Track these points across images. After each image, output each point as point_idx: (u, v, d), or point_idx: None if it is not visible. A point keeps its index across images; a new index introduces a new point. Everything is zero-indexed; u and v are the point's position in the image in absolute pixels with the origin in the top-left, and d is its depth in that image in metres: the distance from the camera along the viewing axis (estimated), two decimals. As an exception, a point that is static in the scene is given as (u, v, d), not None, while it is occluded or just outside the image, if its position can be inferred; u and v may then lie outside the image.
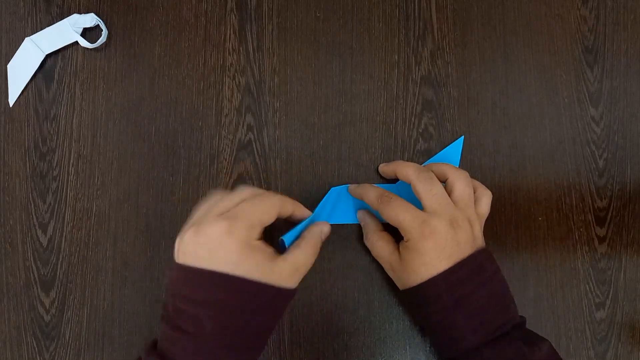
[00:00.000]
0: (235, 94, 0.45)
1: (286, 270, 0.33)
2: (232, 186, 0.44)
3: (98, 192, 0.44)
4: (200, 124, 0.44)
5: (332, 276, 0.43)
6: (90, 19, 0.44)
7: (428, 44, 0.46)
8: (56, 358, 0.43)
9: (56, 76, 0.45)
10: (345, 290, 0.43)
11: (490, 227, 0.44)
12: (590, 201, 0.45)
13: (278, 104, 0.45)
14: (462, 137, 0.44)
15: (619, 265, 0.45)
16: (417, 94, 0.45)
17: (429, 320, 0.37)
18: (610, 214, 0.45)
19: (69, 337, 0.43)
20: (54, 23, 0.45)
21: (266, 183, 0.44)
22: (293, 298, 0.34)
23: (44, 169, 0.44)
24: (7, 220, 0.44)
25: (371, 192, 0.39)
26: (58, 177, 0.44)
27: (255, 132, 0.44)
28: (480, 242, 0.38)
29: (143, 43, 0.45)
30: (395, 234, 0.40)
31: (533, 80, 0.46)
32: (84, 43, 0.44)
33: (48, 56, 0.45)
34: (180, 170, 0.44)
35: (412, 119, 0.45)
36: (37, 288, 0.43)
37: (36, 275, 0.43)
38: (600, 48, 0.47)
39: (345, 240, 0.43)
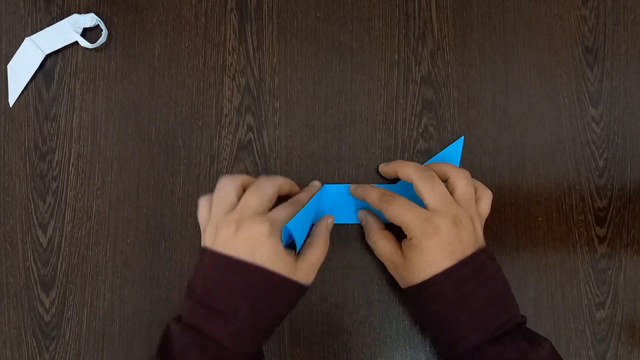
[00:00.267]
0: (235, 94, 0.45)
1: (305, 270, 0.37)
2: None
3: (98, 192, 0.44)
4: (200, 124, 0.44)
5: (332, 276, 0.43)
6: (90, 19, 0.44)
7: (428, 44, 0.46)
8: (56, 358, 0.43)
9: (56, 76, 0.45)
10: (345, 290, 0.43)
11: (490, 227, 0.44)
12: (590, 201, 0.45)
13: (278, 104, 0.45)
14: (462, 137, 0.44)
15: (619, 265, 0.45)
16: (417, 94, 0.45)
17: (431, 319, 0.37)
18: (610, 214, 0.45)
19: (69, 337, 0.43)
20: (54, 23, 0.45)
21: (266, 183, 0.44)
22: (307, 291, 0.38)
23: (44, 169, 0.44)
24: (7, 220, 0.44)
25: (373, 192, 0.39)
26: (58, 177, 0.44)
27: (255, 132, 0.44)
28: (481, 241, 0.38)
29: (143, 43, 0.45)
30: (396, 233, 0.40)
31: (533, 80, 0.46)
32: (84, 43, 0.44)
33: (48, 56, 0.45)
34: (180, 170, 0.44)
35: (412, 119, 0.45)
36: (37, 288, 0.43)
37: (36, 275, 0.43)
38: (600, 48, 0.47)
39: (345, 240, 0.43)
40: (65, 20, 0.44)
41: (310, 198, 0.40)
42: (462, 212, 0.37)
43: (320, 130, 0.45)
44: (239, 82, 0.45)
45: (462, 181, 0.38)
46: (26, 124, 0.44)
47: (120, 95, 0.45)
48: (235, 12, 0.46)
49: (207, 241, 0.37)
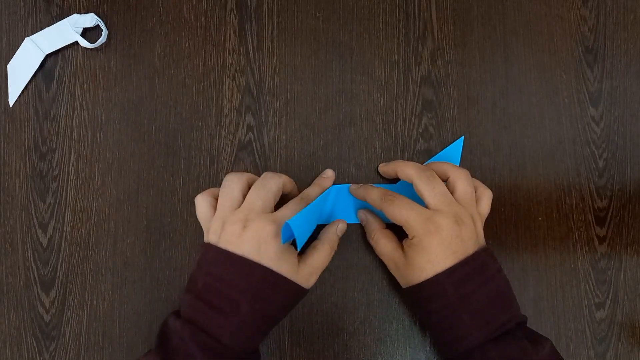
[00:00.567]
0: (235, 94, 0.45)
1: (306, 273, 0.37)
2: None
3: (98, 192, 0.44)
4: (200, 124, 0.44)
5: (332, 276, 0.43)
6: (90, 19, 0.44)
7: (428, 44, 0.46)
8: (56, 358, 0.43)
9: (56, 76, 0.45)
10: (345, 290, 0.43)
11: (490, 227, 0.44)
12: (590, 201, 0.45)
13: (278, 104, 0.45)
14: (462, 137, 0.44)
15: (619, 265, 0.45)
16: (417, 94, 0.45)
17: (432, 318, 0.37)
18: (610, 214, 0.45)
19: (69, 337, 0.43)
20: (54, 23, 0.45)
21: (266, 183, 0.44)
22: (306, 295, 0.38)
23: (44, 169, 0.44)
24: (7, 220, 0.44)
25: (374, 193, 0.39)
26: (58, 177, 0.44)
27: (255, 132, 0.44)
28: (482, 240, 0.38)
29: (143, 43, 0.45)
30: (397, 234, 0.40)
31: (533, 80, 0.46)
32: (84, 43, 0.44)
33: (48, 56, 0.45)
34: (180, 170, 0.44)
35: (412, 119, 0.45)
36: (37, 288, 0.43)
37: (36, 275, 0.43)
38: (600, 48, 0.47)
39: (345, 240, 0.43)
40: (65, 20, 0.44)
41: (321, 193, 0.40)
42: (463, 211, 0.37)
43: (320, 130, 0.45)
44: (239, 82, 0.45)
45: (462, 181, 0.38)
46: (26, 124, 0.44)
47: (120, 95, 0.45)
48: (235, 12, 0.46)
49: (212, 237, 0.37)
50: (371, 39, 0.46)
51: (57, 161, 0.44)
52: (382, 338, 0.43)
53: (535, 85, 0.46)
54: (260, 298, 0.35)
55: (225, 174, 0.40)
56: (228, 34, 0.45)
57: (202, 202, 0.39)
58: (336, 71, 0.45)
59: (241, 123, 0.45)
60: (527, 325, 0.38)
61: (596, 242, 0.45)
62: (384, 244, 0.40)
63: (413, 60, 0.45)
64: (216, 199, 0.39)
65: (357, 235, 0.44)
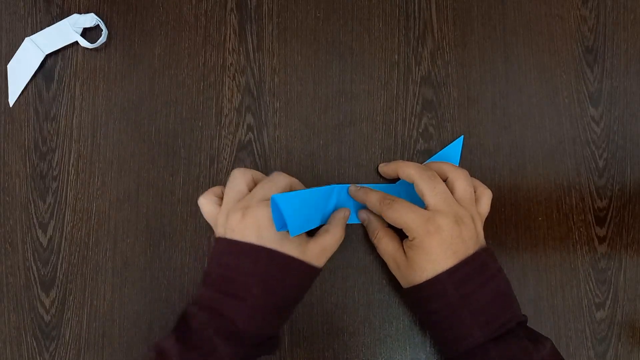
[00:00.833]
0: (235, 94, 0.45)
1: (316, 251, 0.37)
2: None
3: (98, 192, 0.44)
4: (200, 124, 0.44)
5: (332, 276, 0.43)
6: (90, 19, 0.44)
7: (428, 44, 0.46)
8: (56, 358, 0.43)
9: (56, 76, 0.45)
10: (345, 290, 0.43)
11: (490, 227, 0.44)
12: (590, 201, 0.45)
13: (278, 104, 0.45)
14: (462, 136, 0.44)
15: (619, 265, 0.45)
16: (417, 94, 0.45)
17: (433, 318, 0.37)
18: (610, 214, 0.45)
19: (69, 337, 0.43)
20: (54, 23, 0.45)
21: (266, 183, 0.44)
22: (319, 275, 0.39)
23: (44, 169, 0.44)
24: (7, 220, 0.44)
25: (372, 197, 0.39)
26: (58, 177, 0.44)
27: (255, 132, 0.44)
28: (482, 240, 0.38)
29: (143, 43, 0.45)
30: (398, 233, 0.40)
31: (533, 80, 0.46)
32: (84, 43, 0.44)
33: (48, 56, 0.45)
34: (180, 170, 0.44)
35: (412, 119, 0.45)
36: (37, 288, 0.43)
37: (36, 275, 0.43)
38: (600, 48, 0.47)
39: (345, 240, 0.43)
40: (65, 20, 0.44)
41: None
42: (464, 211, 0.37)
43: (320, 130, 0.45)
44: (239, 82, 0.45)
45: (461, 181, 0.38)
46: (26, 124, 0.44)
47: (120, 95, 0.45)
48: (235, 12, 0.46)
49: (220, 230, 0.37)
50: (371, 39, 0.46)
51: (57, 161, 0.44)
52: (382, 338, 0.43)
53: (535, 85, 0.46)
54: (270, 280, 0.35)
55: (226, 174, 0.40)
56: (228, 34, 0.45)
57: (205, 202, 0.39)
58: (336, 71, 0.45)
59: (241, 123, 0.45)
60: (527, 325, 0.38)
61: (596, 242, 0.45)
62: (386, 242, 0.40)
63: (413, 60, 0.45)
64: (218, 197, 0.39)
65: (357, 236, 0.44)
